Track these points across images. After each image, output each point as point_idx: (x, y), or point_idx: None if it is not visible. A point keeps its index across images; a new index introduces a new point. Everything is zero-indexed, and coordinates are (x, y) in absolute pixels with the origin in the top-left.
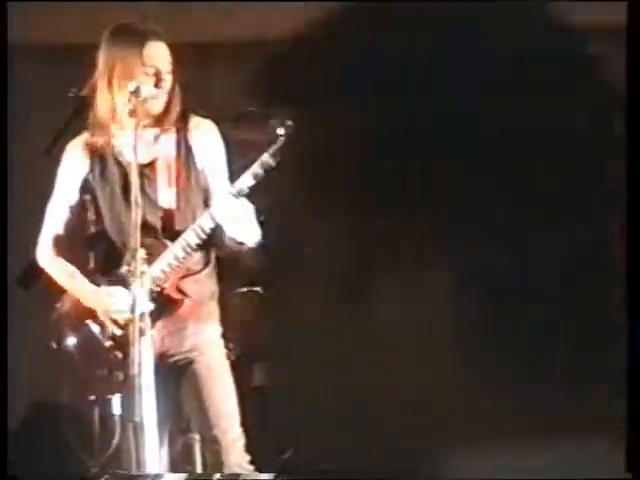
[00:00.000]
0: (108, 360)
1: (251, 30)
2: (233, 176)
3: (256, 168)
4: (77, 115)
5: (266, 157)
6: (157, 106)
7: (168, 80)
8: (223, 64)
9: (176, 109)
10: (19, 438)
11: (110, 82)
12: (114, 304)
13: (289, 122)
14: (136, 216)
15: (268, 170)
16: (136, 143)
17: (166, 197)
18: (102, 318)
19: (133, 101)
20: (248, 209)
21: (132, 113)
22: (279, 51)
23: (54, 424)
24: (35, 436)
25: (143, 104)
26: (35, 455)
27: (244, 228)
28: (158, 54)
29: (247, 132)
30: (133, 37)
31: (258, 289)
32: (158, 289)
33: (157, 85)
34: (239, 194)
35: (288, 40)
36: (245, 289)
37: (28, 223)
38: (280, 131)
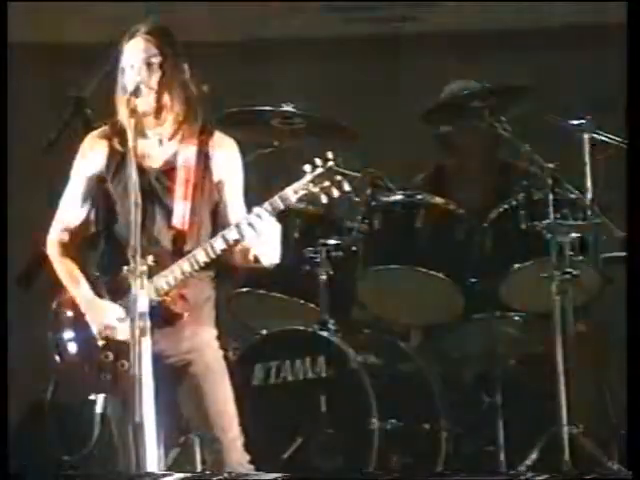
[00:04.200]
0: (99, 359)
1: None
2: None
3: (276, 201)
4: (76, 115)
5: (288, 192)
6: (145, 102)
7: (145, 74)
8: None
9: (175, 108)
10: (19, 437)
11: (118, 84)
12: (106, 318)
13: (317, 162)
14: (136, 216)
15: (287, 205)
16: (135, 143)
17: (180, 207)
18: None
19: (133, 101)
20: (273, 229)
21: (131, 113)
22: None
23: (46, 422)
24: (34, 435)
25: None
26: (34, 453)
27: (260, 249)
28: (134, 49)
29: (246, 131)
30: (129, 36)
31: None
32: (160, 299)
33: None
34: (254, 223)
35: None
36: (246, 289)
37: (28, 223)
38: (307, 168)
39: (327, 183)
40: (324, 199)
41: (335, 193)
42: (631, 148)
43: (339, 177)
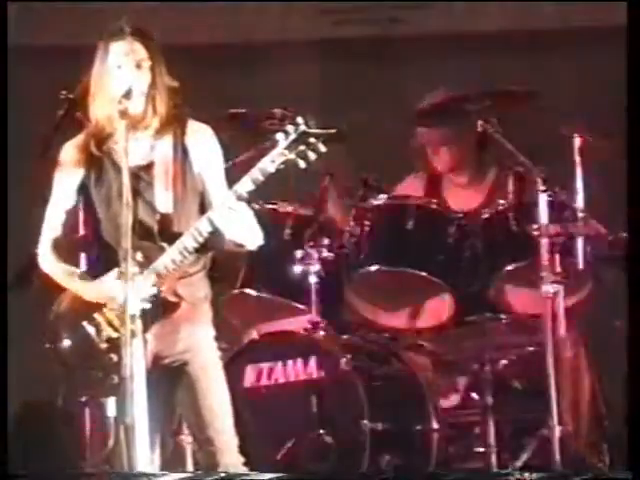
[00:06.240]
0: (103, 362)
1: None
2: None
3: (255, 173)
4: (67, 116)
5: (265, 163)
6: (135, 105)
7: (136, 77)
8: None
9: (161, 109)
10: (18, 438)
11: (103, 85)
12: (117, 292)
13: (289, 129)
14: (127, 217)
15: (267, 176)
16: (127, 145)
17: (163, 201)
18: (99, 320)
19: (123, 103)
20: (247, 213)
21: (122, 115)
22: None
23: (50, 425)
24: (32, 436)
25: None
26: (33, 455)
27: (244, 231)
28: (122, 51)
29: (240, 133)
30: (112, 37)
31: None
32: (154, 292)
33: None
34: (238, 199)
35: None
36: (237, 291)
37: (28, 223)
38: (280, 137)
39: (302, 147)
40: (302, 164)
41: (312, 156)
42: (631, 148)
43: (313, 139)
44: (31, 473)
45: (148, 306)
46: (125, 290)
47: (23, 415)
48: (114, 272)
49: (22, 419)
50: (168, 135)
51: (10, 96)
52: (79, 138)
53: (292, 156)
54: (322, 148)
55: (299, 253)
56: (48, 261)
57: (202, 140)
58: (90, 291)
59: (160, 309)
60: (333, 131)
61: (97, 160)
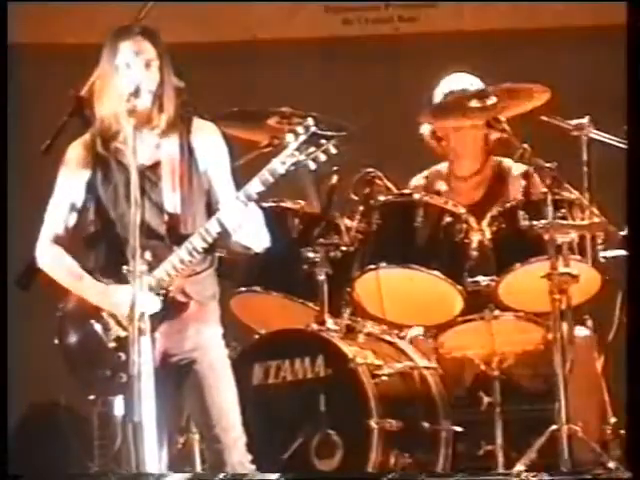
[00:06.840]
0: (111, 361)
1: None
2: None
3: (265, 174)
4: (75, 115)
5: (275, 164)
6: (143, 104)
7: (144, 76)
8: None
9: (169, 108)
10: (20, 438)
11: (110, 84)
12: (122, 304)
13: (299, 130)
14: (135, 216)
15: (277, 177)
16: (134, 143)
17: (170, 200)
18: (107, 319)
19: (132, 101)
20: (256, 214)
21: (130, 113)
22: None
23: (55, 424)
24: (36, 436)
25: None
26: (36, 455)
27: (252, 233)
28: (132, 50)
29: (245, 131)
30: (121, 36)
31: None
32: (163, 292)
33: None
34: (247, 200)
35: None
36: (244, 289)
37: (28, 223)
38: (290, 138)
39: (312, 149)
40: (312, 165)
41: (322, 157)
42: (631, 148)
43: (324, 141)
44: (32, 473)
45: (156, 305)
46: (134, 289)
47: (29, 415)
48: (125, 287)
49: (28, 419)
50: (174, 134)
51: (10, 96)
52: (86, 137)
53: (302, 157)
54: (332, 150)
55: (307, 251)
56: (48, 259)
57: (208, 138)
58: (95, 295)
59: (168, 308)
60: (344, 133)
61: (103, 159)
